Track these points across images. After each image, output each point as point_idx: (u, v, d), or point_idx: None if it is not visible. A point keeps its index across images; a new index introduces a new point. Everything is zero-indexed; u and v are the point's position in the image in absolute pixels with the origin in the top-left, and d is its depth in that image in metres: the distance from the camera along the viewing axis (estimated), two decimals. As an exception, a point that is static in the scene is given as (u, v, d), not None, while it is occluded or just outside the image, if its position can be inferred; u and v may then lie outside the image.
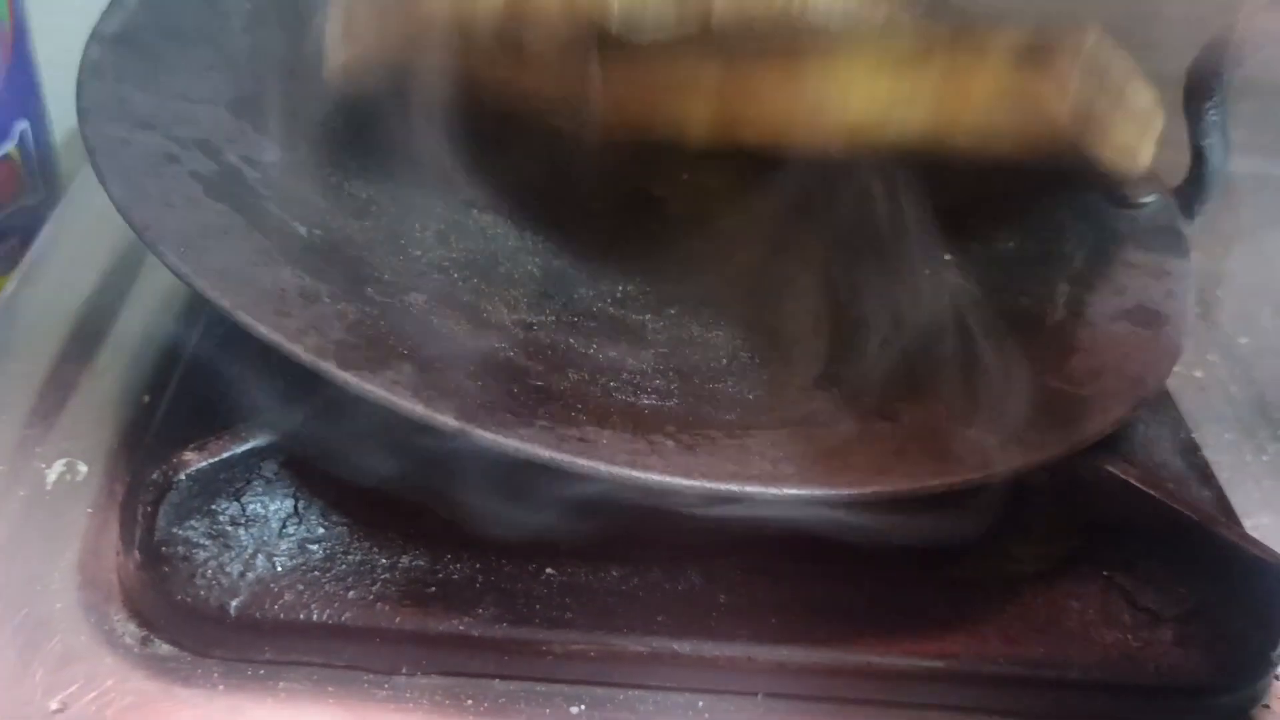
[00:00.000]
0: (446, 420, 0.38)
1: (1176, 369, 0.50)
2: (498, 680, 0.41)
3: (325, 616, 0.40)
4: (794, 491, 0.39)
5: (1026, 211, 0.57)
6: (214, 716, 0.39)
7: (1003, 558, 0.46)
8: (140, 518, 0.40)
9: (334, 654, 0.40)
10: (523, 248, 0.54)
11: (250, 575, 0.41)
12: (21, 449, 0.47)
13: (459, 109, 0.47)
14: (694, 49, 0.47)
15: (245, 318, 0.40)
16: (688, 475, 0.38)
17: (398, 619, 0.40)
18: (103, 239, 0.59)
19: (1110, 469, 0.45)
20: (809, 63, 0.48)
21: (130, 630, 0.40)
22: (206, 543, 0.41)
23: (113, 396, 0.50)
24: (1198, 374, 0.61)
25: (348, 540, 0.42)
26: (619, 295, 0.53)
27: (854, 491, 0.39)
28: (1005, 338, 0.47)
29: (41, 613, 0.41)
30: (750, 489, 0.39)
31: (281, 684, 0.40)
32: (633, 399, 0.45)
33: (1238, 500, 0.51)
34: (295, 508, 0.43)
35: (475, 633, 0.41)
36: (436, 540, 0.43)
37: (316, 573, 0.41)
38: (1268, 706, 0.43)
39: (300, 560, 0.42)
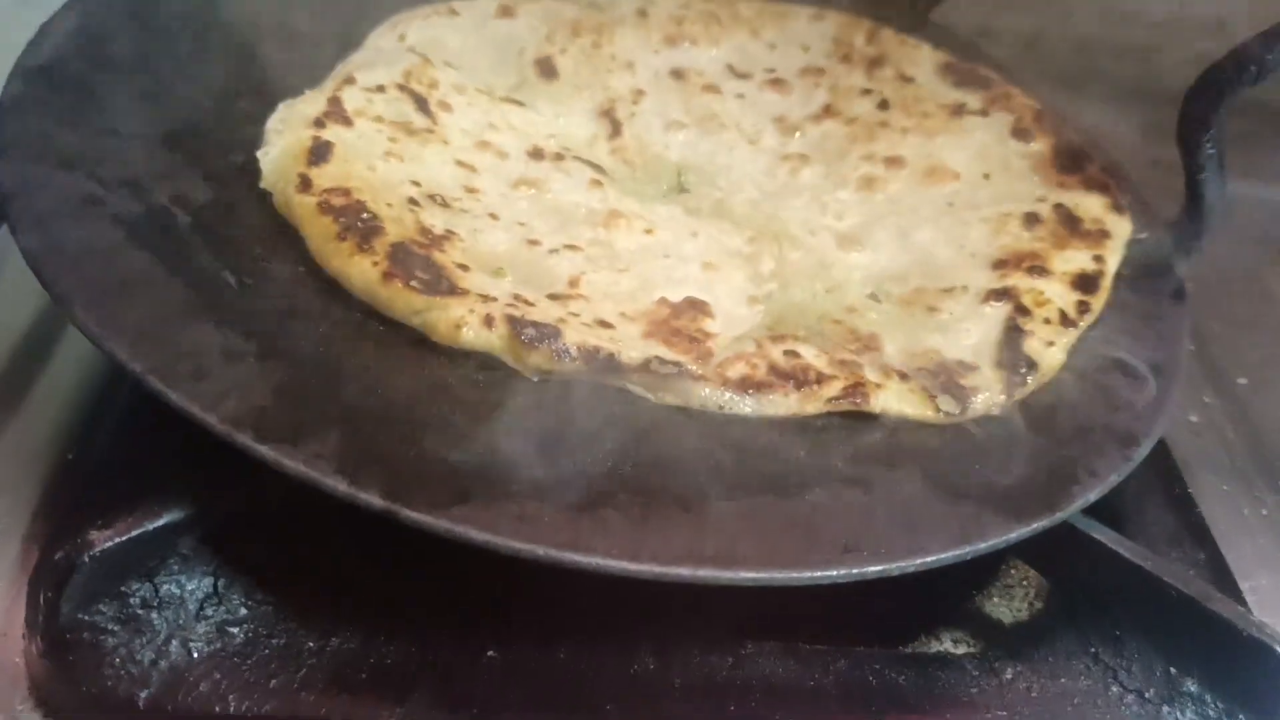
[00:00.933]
0: (371, 499, 0.35)
1: (1170, 415, 0.47)
2: (433, 774, 0.38)
3: (244, 708, 0.37)
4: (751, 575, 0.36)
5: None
6: (121, 817, 0.36)
7: (981, 628, 0.44)
8: (42, 603, 0.37)
9: (254, 749, 0.37)
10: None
11: (163, 663, 0.38)
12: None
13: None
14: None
15: (156, 384, 0.37)
16: (634, 558, 0.35)
17: (323, 709, 0.38)
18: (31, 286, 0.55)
19: (1096, 536, 0.42)
20: None
21: (34, 721, 0.37)
22: (115, 628, 0.38)
23: (35, 453, 0.46)
24: (1193, 418, 0.57)
25: (272, 621, 0.39)
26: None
27: (819, 574, 0.36)
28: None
29: (-60, 697, 0.38)
30: (704, 574, 0.36)
31: (196, 782, 0.37)
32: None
33: (1234, 559, 0.48)
34: (215, 586, 0.40)
35: (408, 724, 0.38)
36: (369, 618, 0.40)
37: (236, 659, 0.38)
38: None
39: (219, 645, 0.38)
